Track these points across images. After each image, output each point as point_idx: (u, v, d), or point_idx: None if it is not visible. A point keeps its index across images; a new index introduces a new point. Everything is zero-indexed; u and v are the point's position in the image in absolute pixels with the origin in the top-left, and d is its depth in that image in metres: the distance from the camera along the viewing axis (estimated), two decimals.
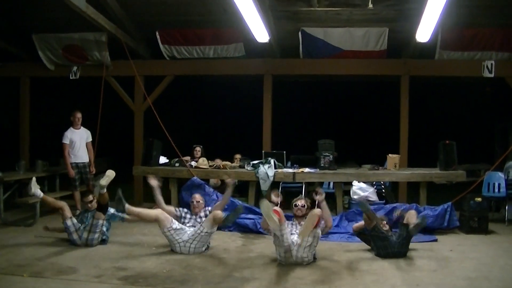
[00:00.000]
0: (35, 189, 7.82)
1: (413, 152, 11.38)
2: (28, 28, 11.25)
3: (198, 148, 11.01)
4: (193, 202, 8.03)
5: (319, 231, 6.78)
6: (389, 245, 7.00)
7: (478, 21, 10.29)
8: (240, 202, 9.43)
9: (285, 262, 6.65)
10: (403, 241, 7.04)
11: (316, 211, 6.68)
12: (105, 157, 13.65)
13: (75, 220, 7.64)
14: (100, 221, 7.60)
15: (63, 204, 7.76)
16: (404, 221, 7.24)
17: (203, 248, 7.28)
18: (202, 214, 7.89)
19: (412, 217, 7.24)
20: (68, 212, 7.65)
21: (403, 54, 11.51)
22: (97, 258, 6.85)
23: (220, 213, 7.20)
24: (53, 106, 15.92)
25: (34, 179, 7.98)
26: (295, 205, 7.51)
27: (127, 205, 7.32)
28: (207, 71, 11.96)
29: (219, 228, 7.83)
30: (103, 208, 7.69)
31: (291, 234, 6.83)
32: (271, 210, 6.48)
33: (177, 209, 7.95)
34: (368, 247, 7.44)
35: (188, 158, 10.79)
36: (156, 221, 7.26)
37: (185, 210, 7.96)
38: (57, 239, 7.93)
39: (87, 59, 11.66)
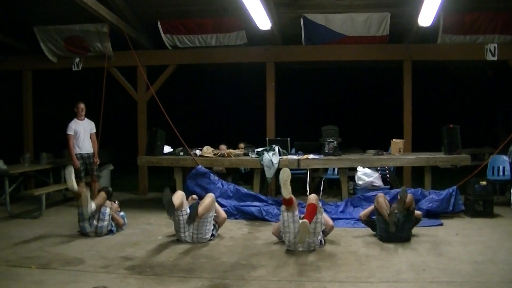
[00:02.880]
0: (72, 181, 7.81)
1: (417, 136, 11.38)
2: (29, 21, 11.25)
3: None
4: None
5: (320, 216, 6.79)
6: (389, 229, 7.02)
7: (479, 4, 10.27)
8: (245, 190, 9.47)
9: (294, 248, 6.69)
10: (402, 225, 7.03)
11: (311, 197, 6.78)
12: (109, 148, 13.68)
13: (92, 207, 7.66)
14: (108, 209, 7.65)
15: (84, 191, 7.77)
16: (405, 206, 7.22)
17: (207, 236, 7.26)
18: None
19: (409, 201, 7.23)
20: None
21: (405, 39, 11.46)
22: (104, 249, 6.88)
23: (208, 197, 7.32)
24: (56, 98, 15.94)
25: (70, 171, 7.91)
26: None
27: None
28: (209, 60, 11.95)
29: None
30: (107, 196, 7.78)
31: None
32: (289, 178, 6.65)
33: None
34: (374, 232, 7.47)
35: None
36: (182, 200, 7.22)
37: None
38: (64, 230, 7.98)
39: (89, 50, 11.66)
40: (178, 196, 7.20)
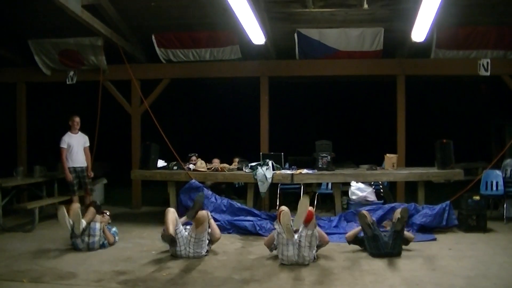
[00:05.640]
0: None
1: (411, 151, 11.39)
2: (23, 34, 11.27)
3: (193, 158, 10.93)
4: None
5: (316, 230, 6.79)
6: (381, 245, 7.04)
7: (472, 19, 10.33)
8: (239, 204, 9.46)
9: (287, 262, 6.69)
10: (394, 241, 7.05)
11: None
12: (103, 161, 13.64)
13: (83, 224, 7.65)
14: (98, 224, 7.64)
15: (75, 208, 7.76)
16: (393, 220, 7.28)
17: (203, 252, 7.23)
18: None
19: (396, 214, 7.32)
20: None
21: (399, 54, 11.52)
22: (97, 262, 6.85)
23: (201, 213, 7.24)
24: (50, 111, 15.90)
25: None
26: None
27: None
28: (203, 74, 11.97)
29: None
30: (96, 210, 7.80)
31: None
32: (290, 221, 6.63)
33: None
34: (361, 248, 7.50)
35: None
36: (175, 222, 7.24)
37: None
38: (57, 244, 7.93)
39: (83, 64, 11.67)
40: (171, 220, 7.20)
